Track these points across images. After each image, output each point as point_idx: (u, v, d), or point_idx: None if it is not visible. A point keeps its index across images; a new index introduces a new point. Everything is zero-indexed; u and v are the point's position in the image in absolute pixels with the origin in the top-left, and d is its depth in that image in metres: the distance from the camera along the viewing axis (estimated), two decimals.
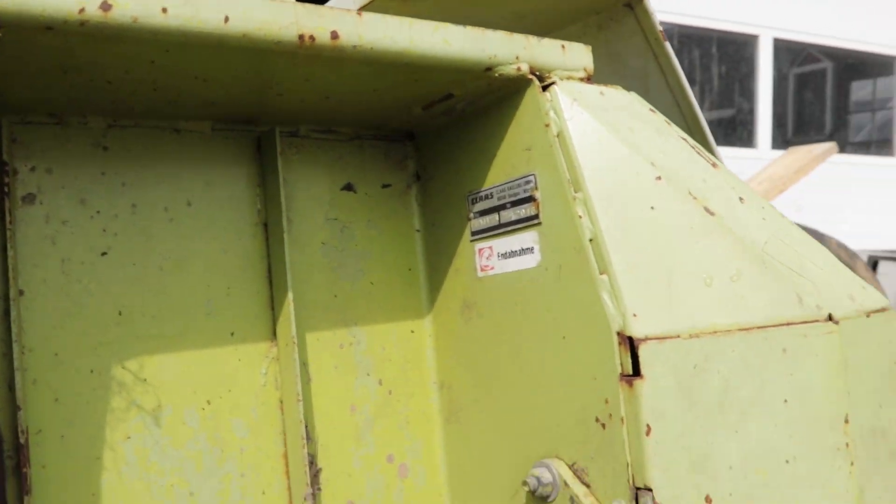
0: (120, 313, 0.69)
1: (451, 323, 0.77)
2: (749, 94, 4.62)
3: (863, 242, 4.93)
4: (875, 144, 5.45)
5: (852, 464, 0.61)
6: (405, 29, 0.61)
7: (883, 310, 0.66)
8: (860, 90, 5.33)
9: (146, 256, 0.71)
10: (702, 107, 4.47)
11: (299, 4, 0.58)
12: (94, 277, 0.69)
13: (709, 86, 4.62)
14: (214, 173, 0.76)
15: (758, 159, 4.45)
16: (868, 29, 4.90)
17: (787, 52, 4.80)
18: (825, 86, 5.20)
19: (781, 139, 4.72)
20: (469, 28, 0.63)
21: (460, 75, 0.65)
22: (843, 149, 5.17)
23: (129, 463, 0.68)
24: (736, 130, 4.67)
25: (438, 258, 0.80)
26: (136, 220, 0.71)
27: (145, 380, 0.69)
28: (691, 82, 4.52)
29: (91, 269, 0.69)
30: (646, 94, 0.78)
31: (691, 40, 4.43)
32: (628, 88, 0.72)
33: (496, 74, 0.65)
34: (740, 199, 0.67)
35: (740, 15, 4.34)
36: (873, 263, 4.68)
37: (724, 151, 3.87)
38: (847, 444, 0.61)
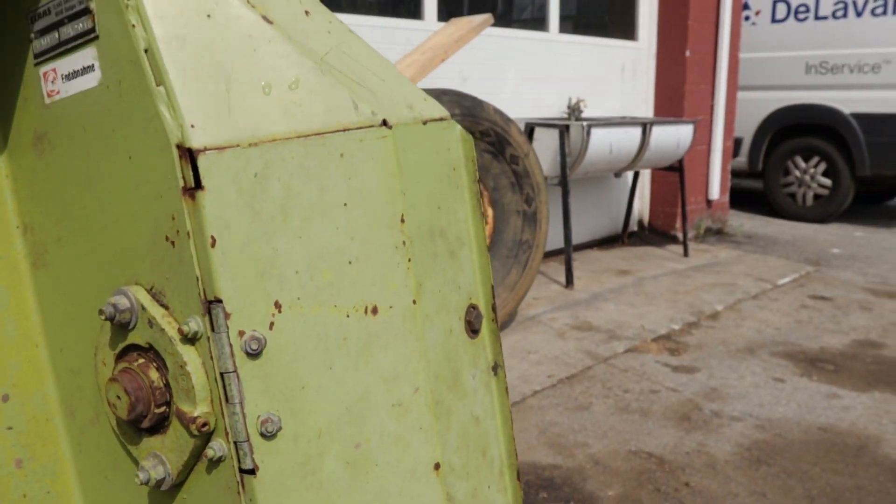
0: None
1: (25, 158, 0.70)
2: None
3: (521, 111, 5.35)
4: (533, 22, 5.82)
5: (409, 260, 0.67)
6: None
7: (441, 119, 0.71)
8: None
9: None
10: None
11: None
12: None
13: None
14: None
15: (425, 31, 4.57)
16: None
17: None
18: None
19: (448, 13, 4.87)
20: None
21: None
22: (508, 25, 5.49)
23: None
24: (405, 3, 4.73)
25: (5, 88, 0.72)
26: None
27: None
28: None
29: None
30: None
31: None
32: None
33: None
34: (306, 11, 0.67)
35: None
36: (530, 130, 5.10)
37: (392, 22, 3.92)
38: (404, 242, 0.66)
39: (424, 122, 0.69)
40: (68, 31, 0.63)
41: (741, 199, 8.97)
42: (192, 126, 0.56)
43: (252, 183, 0.58)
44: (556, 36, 5.67)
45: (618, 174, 5.83)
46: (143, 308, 0.61)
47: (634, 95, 6.40)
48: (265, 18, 0.61)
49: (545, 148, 4.99)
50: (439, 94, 3.68)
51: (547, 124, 4.98)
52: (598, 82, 6.02)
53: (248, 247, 0.58)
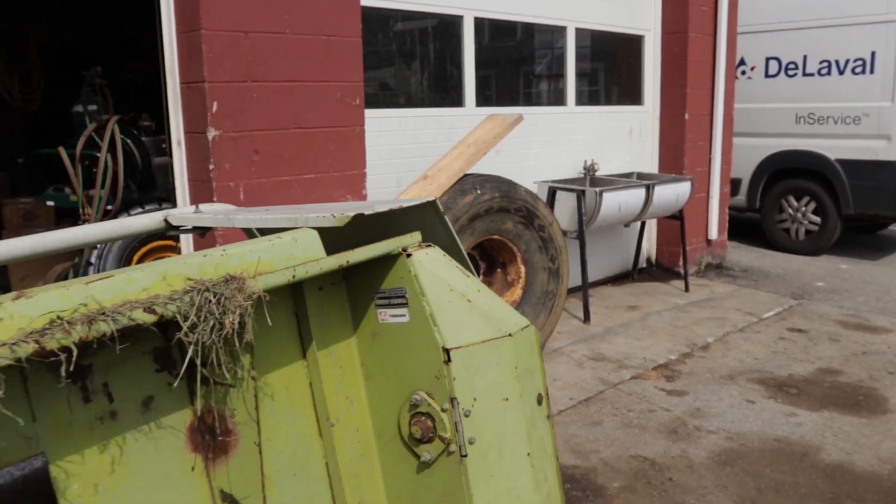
0: None
1: (365, 343, 1.77)
2: (458, 64, 5.75)
3: (544, 174, 6.42)
4: (553, 97, 6.87)
5: (524, 394, 1.75)
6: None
7: (526, 327, 1.77)
8: (542, 57, 6.72)
9: None
10: (421, 75, 5.55)
11: None
12: None
13: (426, 59, 5.67)
14: None
15: (466, 115, 5.66)
16: (540, 6, 6.26)
17: (487, 28, 5.99)
18: (516, 54, 6.47)
19: (483, 99, 5.94)
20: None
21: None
22: (529, 101, 6.58)
23: None
24: (449, 94, 5.79)
25: (362, 311, 1.79)
26: None
27: None
28: (412, 57, 5.59)
29: None
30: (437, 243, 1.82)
31: (411, 21, 5.48)
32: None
33: (395, 253, 1.64)
34: (478, 290, 1.74)
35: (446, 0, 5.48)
36: (552, 192, 6.16)
37: (439, 111, 5.02)
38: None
39: (522, 329, 1.74)
40: (398, 300, 1.69)
41: (742, 230, 9.98)
42: (447, 339, 1.62)
43: (468, 361, 1.64)
44: (573, 108, 6.75)
45: (626, 225, 6.90)
46: (426, 399, 1.66)
47: (641, 153, 7.47)
48: (467, 299, 1.67)
49: (565, 207, 6.07)
50: (484, 181, 4.77)
51: (566, 188, 6.04)
52: (609, 143, 7.09)
53: (468, 381, 1.64)
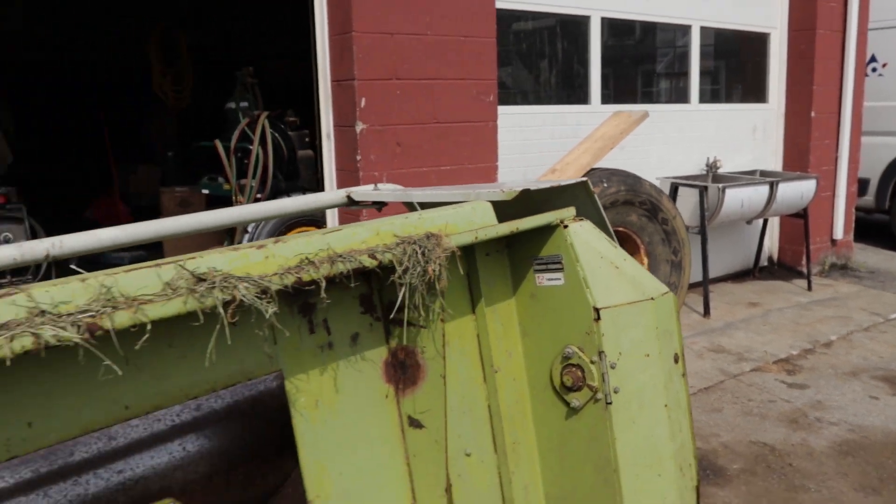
0: None
1: (524, 303, 2.03)
2: (584, 62, 5.96)
3: (667, 171, 6.54)
4: (676, 94, 6.97)
5: (676, 354, 1.97)
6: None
7: (666, 293, 1.99)
8: (664, 55, 6.84)
9: None
10: (549, 73, 5.78)
11: None
12: None
13: (554, 57, 5.90)
14: None
15: (591, 113, 5.86)
16: (666, 6, 6.39)
17: (612, 28, 6.17)
18: (639, 52, 6.63)
19: (608, 97, 6.12)
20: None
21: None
22: (652, 99, 6.71)
23: None
24: (575, 91, 6.01)
25: (523, 276, 2.06)
26: None
27: None
28: (541, 56, 5.84)
29: None
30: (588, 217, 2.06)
31: (540, 21, 5.72)
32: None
33: (554, 224, 1.90)
34: (624, 259, 1.97)
35: (574, 1, 5.70)
36: (674, 188, 6.28)
37: (565, 108, 5.25)
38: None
39: (663, 294, 1.96)
40: (555, 266, 1.95)
41: (870, 232, 9.74)
42: (597, 300, 1.86)
43: (615, 319, 1.87)
44: (697, 106, 6.83)
45: (749, 222, 6.92)
46: (577, 353, 1.90)
47: (765, 151, 7.46)
48: (615, 266, 1.91)
49: (687, 203, 6.17)
50: (610, 175, 4.96)
51: (689, 184, 6.15)
52: (732, 141, 7.12)
53: (614, 337, 1.88)
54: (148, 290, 1.21)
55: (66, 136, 9.46)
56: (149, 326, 1.16)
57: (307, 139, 5.81)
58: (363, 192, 2.25)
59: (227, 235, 5.71)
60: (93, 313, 1.11)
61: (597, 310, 1.88)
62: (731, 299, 6.78)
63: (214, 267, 1.27)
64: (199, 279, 1.22)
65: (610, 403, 1.91)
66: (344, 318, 1.64)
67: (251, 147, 5.56)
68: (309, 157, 5.71)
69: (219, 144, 5.70)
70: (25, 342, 1.05)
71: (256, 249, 1.39)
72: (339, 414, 1.64)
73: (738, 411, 4.45)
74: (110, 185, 8.69)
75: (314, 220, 5.41)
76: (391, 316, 1.70)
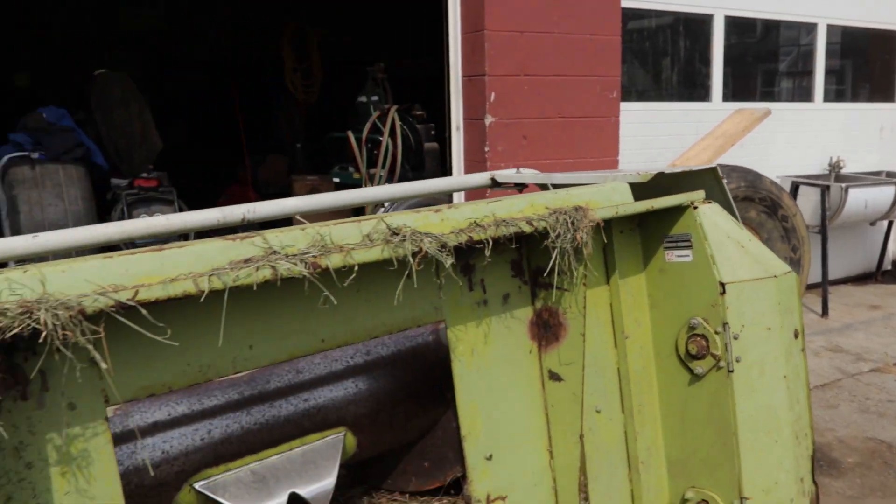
0: None
1: (654, 277, 2.22)
2: (706, 60, 6.03)
3: (787, 170, 6.52)
4: (798, 93, 6.93)
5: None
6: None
7: (788, 272, 2.13)
8: (787, 53, 6.81)
9: None
10: (671, 71, 5.88)
11: None
12: None
13: (676, 55, 6.00)
14: None
15: (712, 110, 5.93)
16: (793, 4, 6.37)
17: (735, 26, 6.21)
18: (761, 50, 6.63)
19: (730, 95, 6.17)
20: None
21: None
22: (774, 98, 6.69)
23: None
24: (697, 89, 6.08)
25: (652, 254, 2.24)
26: None
27: None
28: (664, 53, 5.95)
29: None
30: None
31: (663, 19, 5.83)
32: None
33: (684, 205, 2.08)
34: (749, 239, 2.13)
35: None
36: (795, 187, 6.26)
37: (687, 105, 5.35)
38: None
39: (785, 273, 2.11)
40: (684, 243, 2.13)
41: None
42: (723, 275, 2.03)
43: (739, 294, 2.03)
44: (820, 105, 6.76)
45: (873, 223, 6.81)
46: (702, 323, 2.08)
47: (893, 151, 7.29)
48: (741, 245, 2.07)
49: (808, 202, 6.15)
50: (730, 171, 5.04)
51: (810, 183, 6.12)
52: (857, 141, 7.01)
53: (738, 310, 2.04)
54: (351, 240, 1.48)
55: (206, 128, 10.13)
56: (355, 268, 1.43)
57: (433, 132, 6.10)
58: (506, 174, 2.49)
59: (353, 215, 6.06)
60: (314, 254, 1.39)
61: (722, 284, 2.05)
62: (851, 301, 6.69)
63: (405, 223, 1.53)
64: (394, 232, 1.48)
65: (732, 371, 2.08)
66: (497, 280, 1.88)
67: (381, 138, 5.90)
68: (434, 149, 6.00)
69: (351, 136, 6.06)
70: (266, 273, 1.33)
71: (434, 213, 1.65)
72: (489, 363, 1.88)
73: (855, 409, 4.47)
74: (243, 173, 9.26)
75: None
76: (538, 280, 1.92)
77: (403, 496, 2.17)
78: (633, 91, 5.87)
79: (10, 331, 1.07)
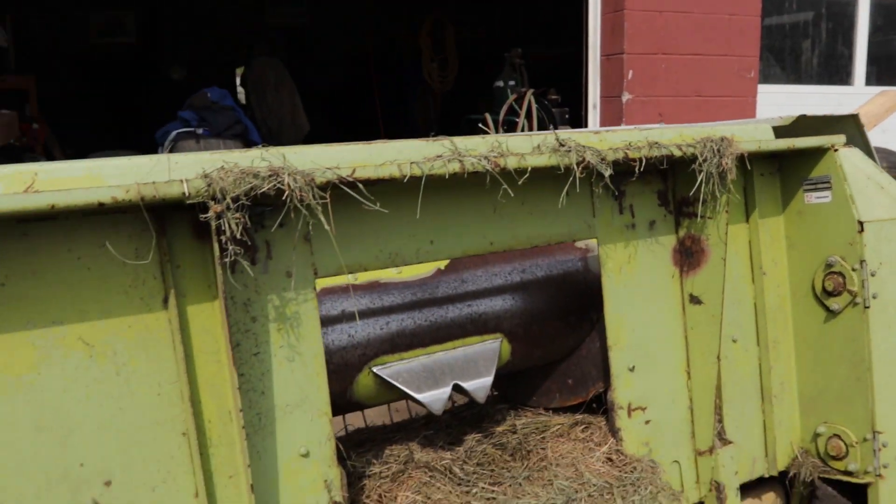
0: None
1: (793, 220, 2.35)
2: (849, 43, 5.94)
3: None
4: None
5: None
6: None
7: None
8: None
9: None
10: (812, 52, 5.85)
11: None
12: None
13: (817, 38, 5.95)
14: None
15: (854, 94, 5.85)
16: None
17: (879, 7, 6.09)
18: None
19: (874, 78, 6.06)
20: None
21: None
22: None
23: None
24: (838, 72, 6.01)
25: (793, 197, 2.37)
26: None
27: None
28: (804, 35, 5.91)
29: None
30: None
31: (803, 1, 5.80)
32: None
33: (825, 147, 2.19)
34: (889, 181, 2.21)
35: None
36: None
37: (827, 89, 5.32)
38: None
39: None
40: (823, 185, 2.25)
41: None
42: (861, 214, 2.14)
43: (877, 232, 2.13)
44: None
45: None
46: (839, 261, 2.19)
47: None
48: (883, 188, 2.17)
49: None
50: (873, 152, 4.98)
51: None
52: None
53: (876, 248, 2.14)
54: (523, 150, 1.71)
55: (345, 116, 10.67)
56: (528, 170, 1.65)
57: (566, 115, 6.28)
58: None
59: None
60: (495, 155, 1.62)
61: (861, 223, 2.16)
62: None
63: (570, 138, 1.75)
64: (561, 144, 1.70)
65: (868, 307, 2.18)
66: (645, 207, 2.07)
67: (517, 120, 6.13)
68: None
69: (489, 117, 6.32)
70: (455, 166, 1.57)
71: (594, 134, 1.86)
72: (635, 282, 2.07)
73: None
74: None
75: None
76: (682, 210, 2.10)
77: (547, 412, 2.37)
78: (772, 72, 5.86)
79: (261, 189, 1.34)
